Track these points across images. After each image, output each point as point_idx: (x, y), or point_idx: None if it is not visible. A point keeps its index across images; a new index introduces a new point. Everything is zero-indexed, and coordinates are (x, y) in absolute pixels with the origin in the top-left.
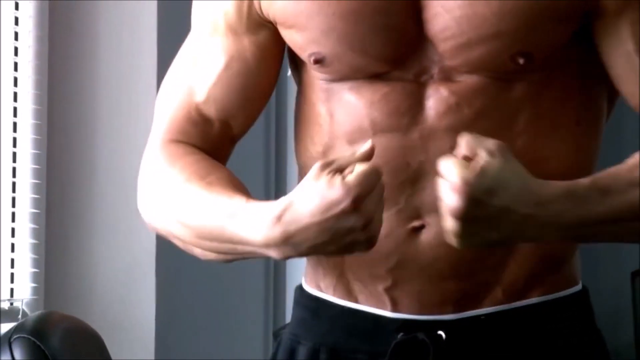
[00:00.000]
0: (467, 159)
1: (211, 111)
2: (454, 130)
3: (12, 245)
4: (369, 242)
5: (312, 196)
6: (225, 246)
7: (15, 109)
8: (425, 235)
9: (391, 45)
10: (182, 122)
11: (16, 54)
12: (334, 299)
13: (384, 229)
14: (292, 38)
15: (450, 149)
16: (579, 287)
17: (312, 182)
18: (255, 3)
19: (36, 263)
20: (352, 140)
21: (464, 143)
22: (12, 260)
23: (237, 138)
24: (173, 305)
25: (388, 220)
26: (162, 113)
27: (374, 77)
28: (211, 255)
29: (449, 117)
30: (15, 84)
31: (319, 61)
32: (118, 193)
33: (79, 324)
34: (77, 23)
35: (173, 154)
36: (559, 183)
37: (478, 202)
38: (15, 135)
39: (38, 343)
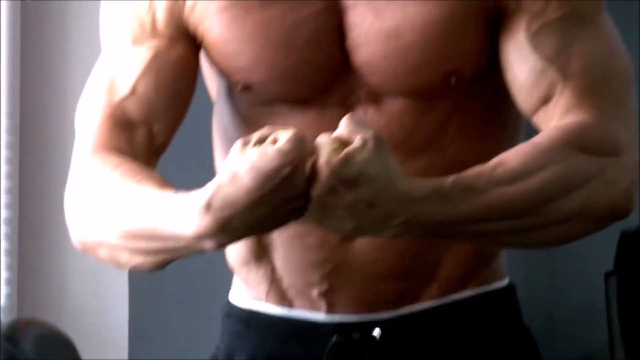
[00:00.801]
0: (342, 143)
1: (134, 111)
2: None
3: None
4: (305, 207)
5: (244, 172)
6: (155, 245)
7: None
8: (359, 241)
9: (320, 74)
10: (107, 127)
11: None
12: (267, 307)
13: (317, 238)
14: (220, 62)
15: None
16: (506, 281)
17: (240, 159)
18: (184, 16)
19: (9, 268)
20: None
21: (344, 125)
22: None
23: (161, 149)
24: (146, 308)
25: (321, 229)
26: (85, 121)
27: (301, 102)
28: (139, 259)
29: None
30: None
31: (247, 87)
32: None
33: (52, 329)
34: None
35: (101, 162)
36: (427, 182)
37: (333, 189)
38: None
39: (11, 349)
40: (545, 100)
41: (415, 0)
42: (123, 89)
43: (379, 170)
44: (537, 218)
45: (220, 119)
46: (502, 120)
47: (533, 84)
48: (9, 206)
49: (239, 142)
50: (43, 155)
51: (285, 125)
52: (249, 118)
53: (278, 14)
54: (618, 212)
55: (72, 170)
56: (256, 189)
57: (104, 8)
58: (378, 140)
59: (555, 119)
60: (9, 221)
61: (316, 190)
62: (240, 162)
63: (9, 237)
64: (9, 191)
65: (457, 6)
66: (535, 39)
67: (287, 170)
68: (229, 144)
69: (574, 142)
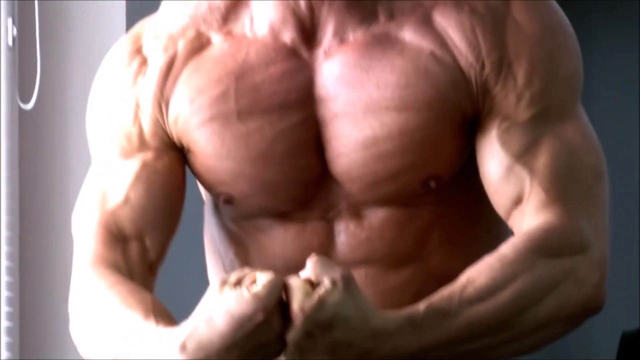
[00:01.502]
0: (312, 284)
1: (127, 221)
2: (367, 262)
3: None
4: (280, 351)
5: (219, 316)
6: None
7: None
8: None
9: (299, 186)
10: (102, 239)
11: None
12: None
13: None
14: (202, 174)
15: (365, 278)
16: None
17: (215, 301)
18: (169, 128)
19: (10, 317)
20: None
21: (311, 267)
22: None
23: (155, 264)
24: None
25: None
26: (81, 231)
27: (283, 215)
28: None
29: (361, 251)
30: None
31: (228, 201)
32: None
33: None
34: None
35: (97, 278)
36: (400, 313)
37: (310, 334)
38: None
39: None
40: (517, 201)
41: (392, 110)
42: (115, 198)
43: (352, 311)
44: (511, 331)
45: (209, 227)
46: (484, 225)
47: (502, 180)
48: (10, 301)
49: (216, 282)
50: (42, 250)
51: (267, 241)
52: (233, 231)
53: (257, 128)
54: (591, 309)
55: (72, 282)
56: (230, 333)
57: (90, 119)
58: (347, 279)
59: (525, 220)
60: (9, 315)
61: (292, 335)
62: (216, 305)
63: (10, 331)
64: (10, 286)
65: (433, 113)
66: (504, 136)
67: (261, 316)
68: (216, 255)
69: (540, 249)
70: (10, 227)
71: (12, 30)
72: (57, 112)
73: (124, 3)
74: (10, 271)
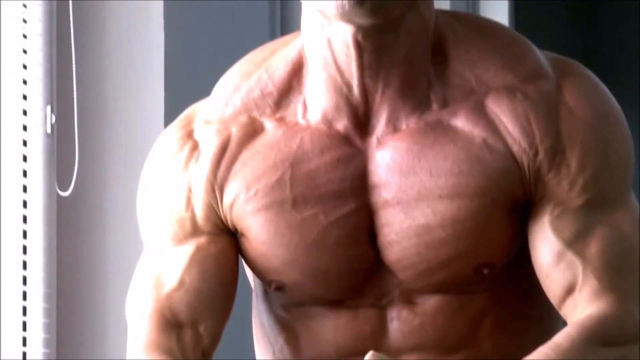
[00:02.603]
0: None
1: (182, 306)
2: (420, 349)
3: None
4: None
5: None
6: None
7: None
8: None
9: (352, 274)
10: (156, 325)
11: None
12: None
13: None
14: (254, 261)
15: None
16: None
17: None
18: (222, 213)
19: None
20: None
21: None
22: None
23: (209, 351)
24: None
25: None
26: (135, 316)
27: (335, 303)
28: None
29: (413, 338)
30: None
31: (279, 288)
32: None
33: None
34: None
35: None
36: None
37: None
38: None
39: None
40: (570, 289)
41: (445, 197)
42: (170, 283)
43: None
44: None
45: (258, 314)
46: (537, 311)
47: (554, 266)
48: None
49: None
50: (80, 339)
51: (319, 328)
52: (284, 318)
53: (311, 216)
54: None
55: None
56: None
57: (141, 205)
58: None
59: (578, 309)
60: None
61: None
62: None
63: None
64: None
65: (485, 200)
66: (556, 222)
67: None
68: (266, 341)
69: (594, 338)
70: (48, 314)
71: (50, 118)
72: (95, 199)
73: (162, 95)
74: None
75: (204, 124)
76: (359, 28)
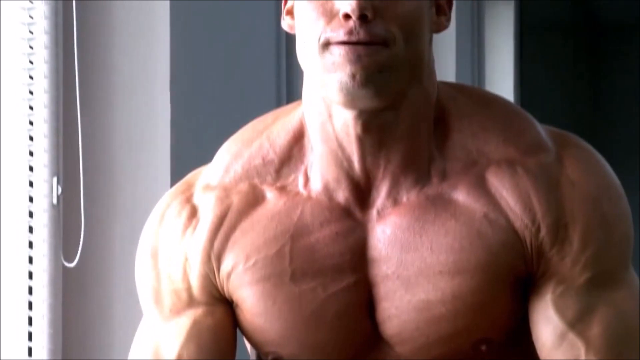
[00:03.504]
0: None
1: None
2: None
3: None
4: None
5: None
6: None
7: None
8: None
9: (350, 348)
10: None
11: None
12: None
13: None
14: (251, 333)
15: None
16: None
17: None
18: (219, 284)
19: None
20: None
21: None
22: None
23: None
24: None
25: None
26: None
27: None
28: None
29: None
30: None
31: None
32: None
33: None
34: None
35: None
36: None
37: None
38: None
39: None
40: None
41: (445, 274)
42: (168, 357)
43: None
44: None
45: None
46: None
47: (555, 347)
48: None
49: None
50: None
51: None
52: None
53: (309, 289)
54: None
55: None
56: None
57: (139, 272)
58: None
59: None
60: None
61: None
62: None
63: None
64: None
65: (486, 277)
66: (559, 300)
67: None
68: None
69: None
70: None
71: (57, 189)
72: (101, 270)
73: (168, 157)
74: None
75: (204, 190)
76: (361, 112)
